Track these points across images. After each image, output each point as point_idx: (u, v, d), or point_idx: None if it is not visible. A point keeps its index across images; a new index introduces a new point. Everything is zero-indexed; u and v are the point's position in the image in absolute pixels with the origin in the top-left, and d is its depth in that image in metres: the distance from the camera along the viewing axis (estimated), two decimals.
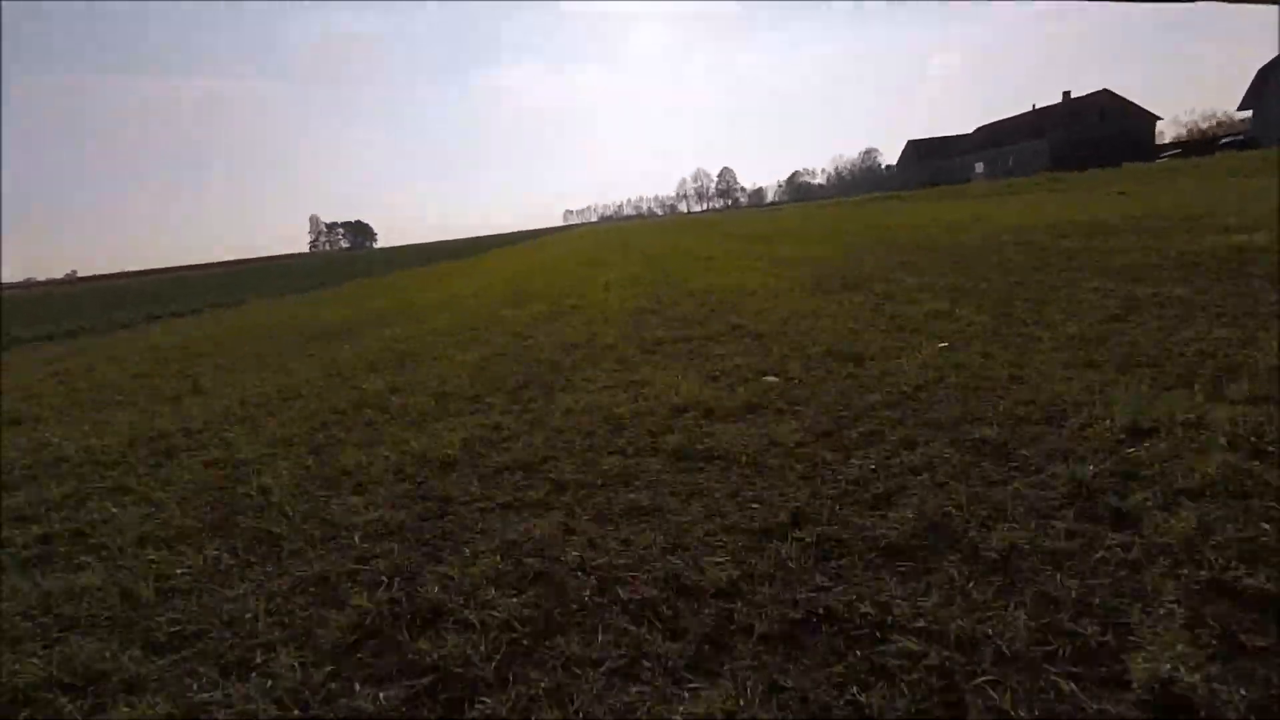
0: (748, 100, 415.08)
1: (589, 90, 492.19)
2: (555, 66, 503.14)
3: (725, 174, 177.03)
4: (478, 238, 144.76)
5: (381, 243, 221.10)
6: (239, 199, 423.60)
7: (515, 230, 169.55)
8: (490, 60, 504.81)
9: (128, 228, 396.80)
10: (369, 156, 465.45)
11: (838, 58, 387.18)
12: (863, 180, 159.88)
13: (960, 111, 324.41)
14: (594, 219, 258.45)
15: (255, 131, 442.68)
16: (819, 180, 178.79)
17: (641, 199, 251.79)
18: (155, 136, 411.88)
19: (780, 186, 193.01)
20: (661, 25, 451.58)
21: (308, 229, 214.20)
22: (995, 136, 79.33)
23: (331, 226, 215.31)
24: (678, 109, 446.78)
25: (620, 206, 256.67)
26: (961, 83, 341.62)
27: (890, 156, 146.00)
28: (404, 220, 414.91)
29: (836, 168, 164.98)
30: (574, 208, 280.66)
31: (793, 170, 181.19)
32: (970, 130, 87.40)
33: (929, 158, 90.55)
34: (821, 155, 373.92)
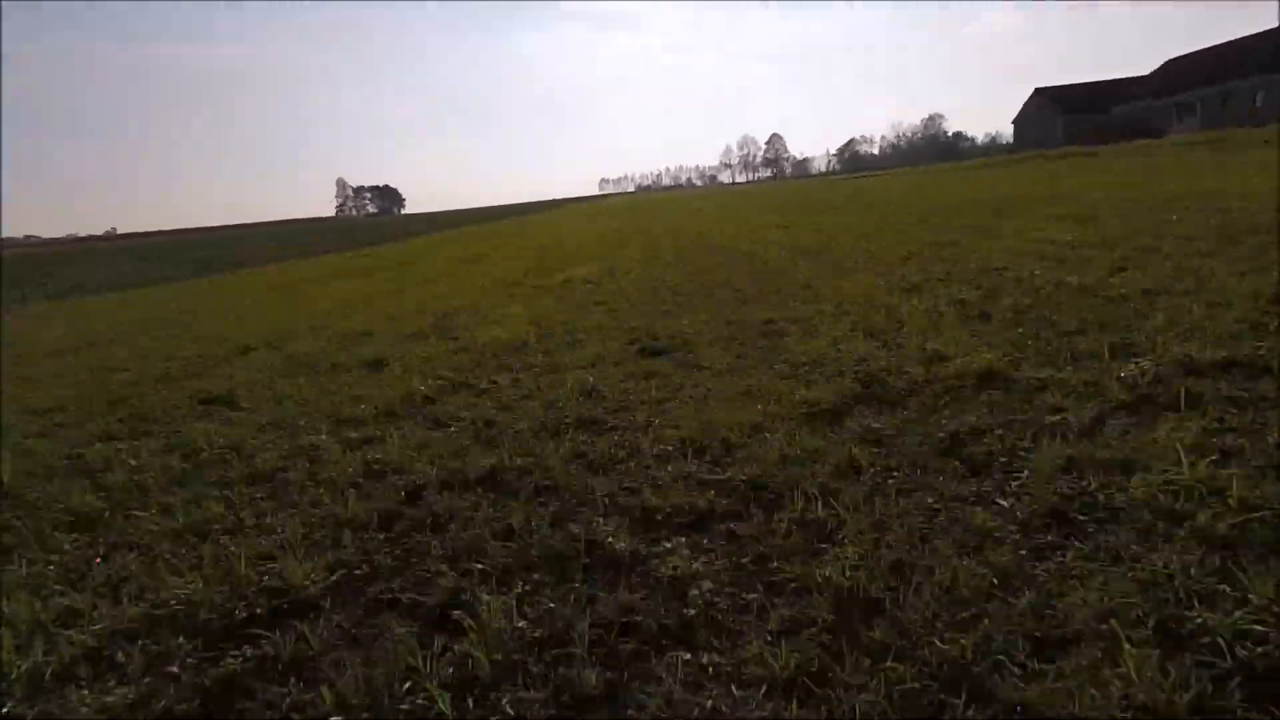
0: (791, 66, 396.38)
1: (629, 56, 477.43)
2: (594, 31, 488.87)
3: (774, 141, 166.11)
4: (503, 206, 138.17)
5: (410, 208, 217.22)
6: (266, 162, 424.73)
7: (542, 200, 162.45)
8: (527, 24, 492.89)
9: (155, 189, 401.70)
10: (398, 119, 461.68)
11: (882, 23, 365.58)
12: (924, 149, 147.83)
13: (1014, 74, 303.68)
14: (631, 188, 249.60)
15: (284, 95, 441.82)
16: (873, 149, 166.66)
17: (681, 169, 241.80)
18: (182, 103, 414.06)
19: (830, 156, 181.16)
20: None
21: (334, 192, 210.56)
22: (1203, 72, 56.39)
23: (359, 191, 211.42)
24: (722, 73, 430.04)
25: (659, 176, 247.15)
26: (1012, 42, 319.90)
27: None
28: (434, 185, 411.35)
29: (898, 134, 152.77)
30: (610, 176, 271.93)
31: (849, 138, 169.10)
32: (1145, 72, 67.22)
33: (1079, 110, 68.13)
34: (861, 125, 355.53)
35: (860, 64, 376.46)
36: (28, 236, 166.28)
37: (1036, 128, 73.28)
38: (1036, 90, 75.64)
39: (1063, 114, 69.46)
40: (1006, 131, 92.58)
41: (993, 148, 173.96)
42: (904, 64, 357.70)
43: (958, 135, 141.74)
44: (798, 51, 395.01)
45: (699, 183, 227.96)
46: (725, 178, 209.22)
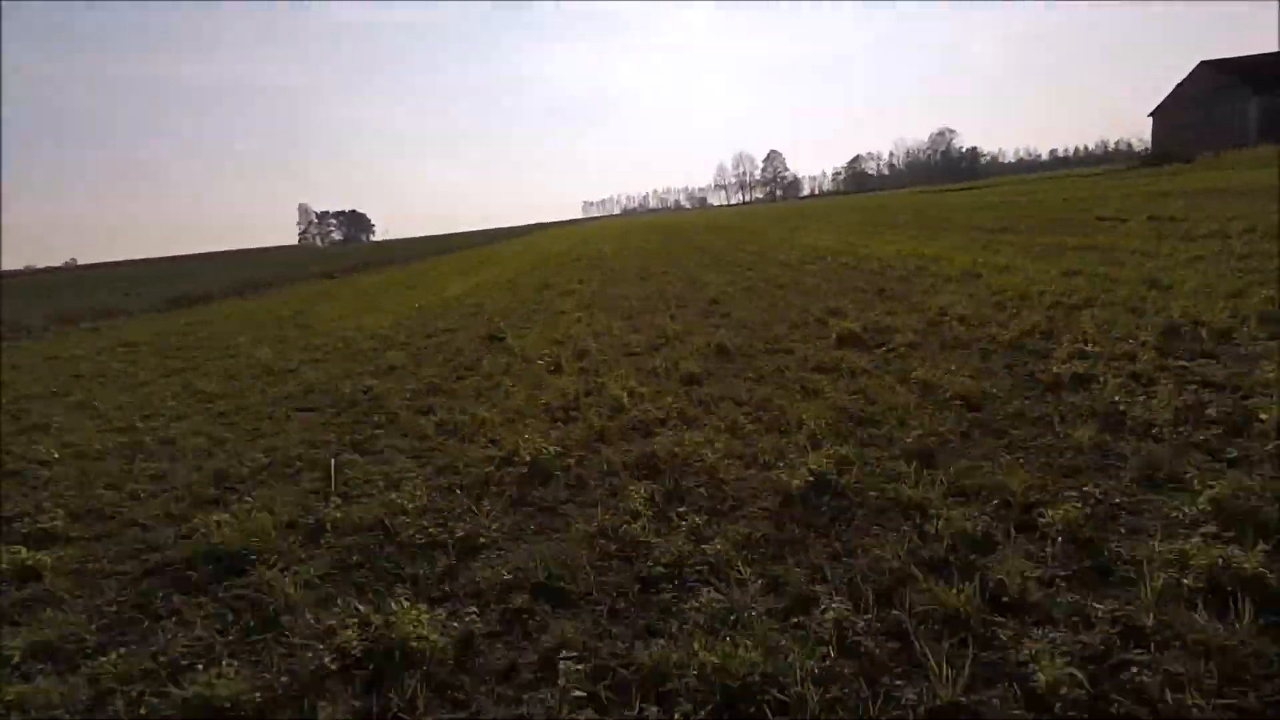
0: (784, 87, 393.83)
1: (615, 76, 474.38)
2: (579, 52, 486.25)
3: (772, 159, 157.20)
4: (473, 232, 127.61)
5: (381, 235, 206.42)
6: (228, 187, 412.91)
7: (515, 225, 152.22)
8: (507, 48, 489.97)
9: (115, 216, 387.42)
10: (371, 144, 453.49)
11: (874, 45, 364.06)
12: (936, 168, 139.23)
13: (1005, 98, 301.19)
14: (616, 210, 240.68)
15: (256, 117, 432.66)
16: (872, 168, 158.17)
17: (668, 190, 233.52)
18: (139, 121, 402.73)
19: (829, 175, 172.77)
20: (702, 12, 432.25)
21: (296, 218, 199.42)
22: None
23: (323, 216, 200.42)
24: (711, 94, 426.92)
25: (645, 198, 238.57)
26: (998, 69, 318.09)
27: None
28: (411, 210, 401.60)
29: (907, 150, 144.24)
30: (594, 199, 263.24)
31: (854, 155, 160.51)
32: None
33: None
34: (856, 144, 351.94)
35: (856, 82, 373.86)
36: None
37: (1200, 116, 53.06)
38: (1204, 64, 55.09)
39: (1254, 94, 50.03)
40: (1033, 146, 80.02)
41: (1028, 164, 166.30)
42: (903, 79, 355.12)
43: (974, 151, 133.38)
44: (791, 69, 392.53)
45: (687, 205, 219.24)
46: (715, 199, 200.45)
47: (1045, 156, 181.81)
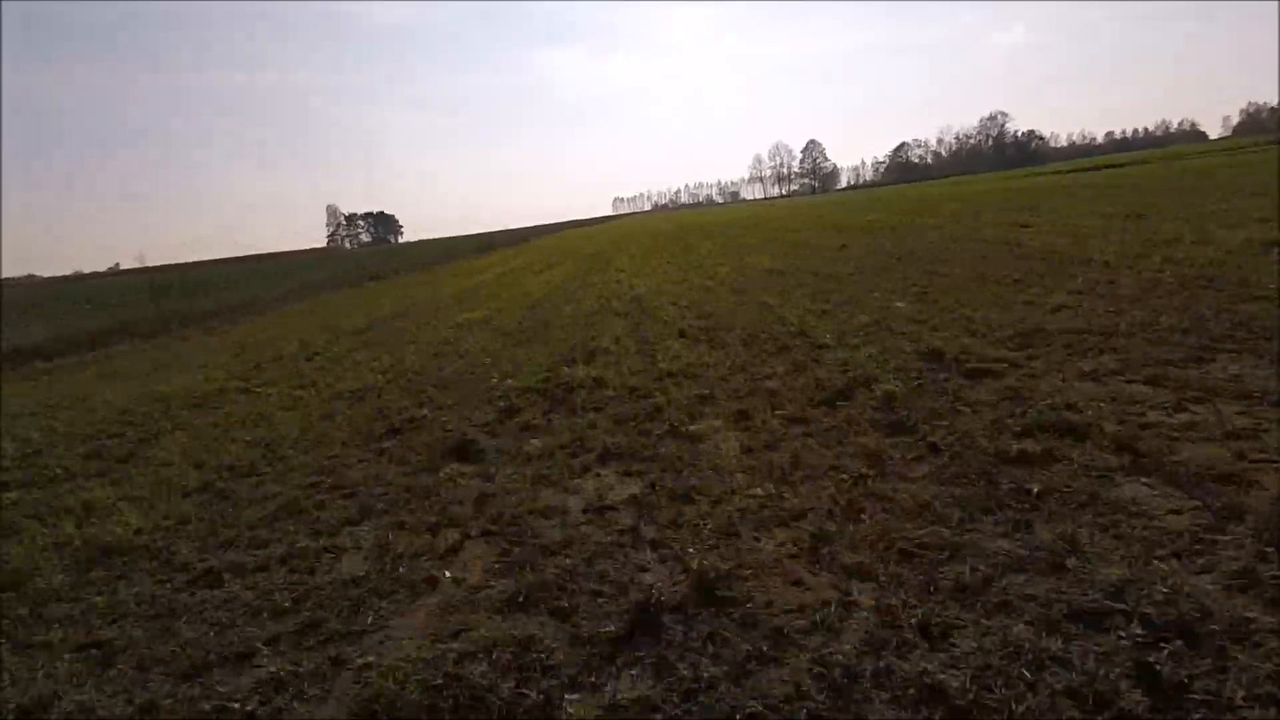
0: (813, 79, 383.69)
1: (642, 74, 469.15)
2: (601, 51, 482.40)
3: (811, 149, 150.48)
4: (494, 232, 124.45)
5: (409, 235, 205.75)
6: (256, 191, 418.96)
7: (547, 223, 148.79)
8: (533, 44, 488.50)
9: (142, 221, 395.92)
10: (397, 146, 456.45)
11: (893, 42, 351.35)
12: (987, 156, 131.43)
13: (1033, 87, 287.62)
14: (647, 207, 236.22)
15: (277, 122, 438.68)
16: (920, 156, 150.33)
17: (700, 185, 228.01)
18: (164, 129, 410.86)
19: (870, 165, 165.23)
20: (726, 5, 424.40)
21: (325, 220, 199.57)
22: None
23: (351, 218, 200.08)
24: (741, 87, 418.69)
25: (677, 193, 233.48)
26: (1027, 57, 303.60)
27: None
28: (437, 211, 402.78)
29: (957, 136, 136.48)
30: (625, 195, 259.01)
31: (899, 142, 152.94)
32: None
33: None
34: (904, 132, 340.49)
35: (898, 72, 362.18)
36: None
37: None
38: None
39: None
40: (1090, 131, 72.84)
41: (1082, 149, 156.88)
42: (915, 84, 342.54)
43: (1031, 135, 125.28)
44: (828, 60, 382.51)
45: (719, 199, 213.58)
46: (748, 193, 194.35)
47: (1100, 139, 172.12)
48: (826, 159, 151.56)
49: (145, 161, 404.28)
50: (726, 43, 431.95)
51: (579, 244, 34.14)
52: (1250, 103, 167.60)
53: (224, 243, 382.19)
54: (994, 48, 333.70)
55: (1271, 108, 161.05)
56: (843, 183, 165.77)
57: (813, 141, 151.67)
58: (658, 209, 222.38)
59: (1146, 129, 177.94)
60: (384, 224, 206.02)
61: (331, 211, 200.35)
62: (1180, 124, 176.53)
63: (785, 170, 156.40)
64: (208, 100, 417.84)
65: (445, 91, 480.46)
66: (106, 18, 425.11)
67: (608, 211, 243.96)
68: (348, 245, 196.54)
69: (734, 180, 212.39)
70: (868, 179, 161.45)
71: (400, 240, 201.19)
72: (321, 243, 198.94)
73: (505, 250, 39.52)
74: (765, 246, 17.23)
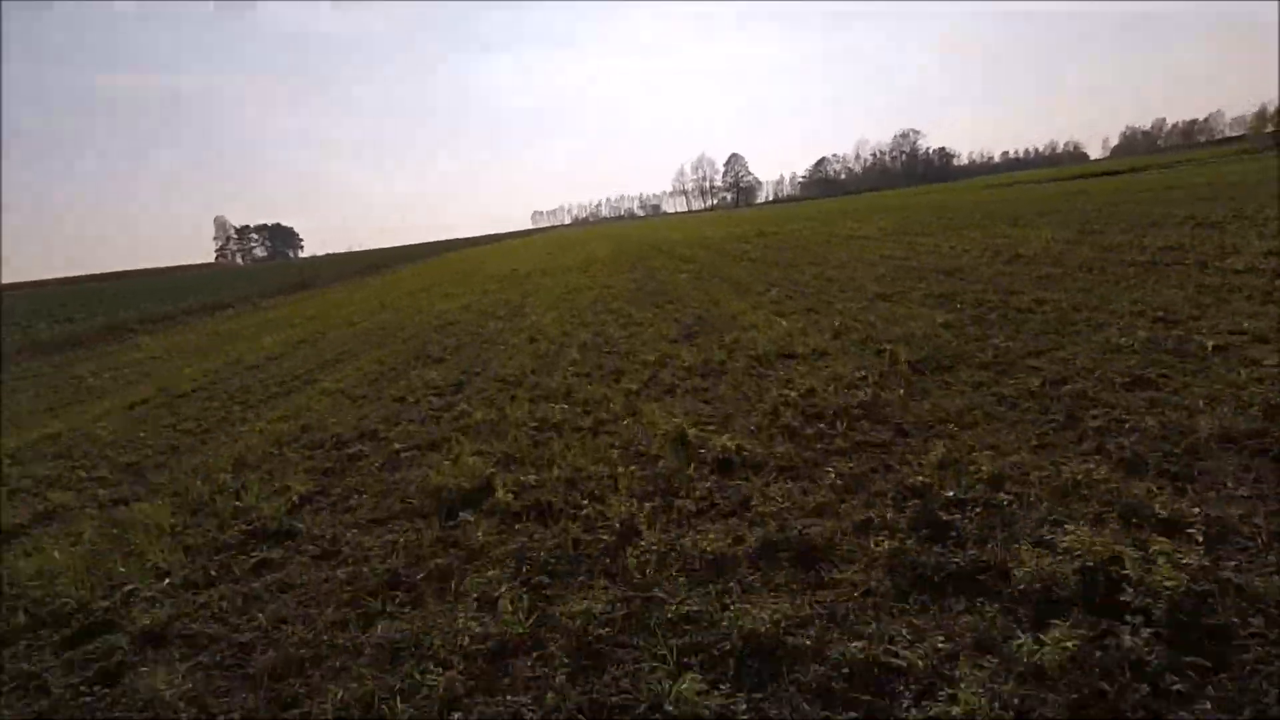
0: (739, 93, 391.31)
1: (567, 84, 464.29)
2: (527, 60, 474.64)
3: (734, 162, 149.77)
4: (407, 246, 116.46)
5: (312, 250, 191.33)
6: (139, 201, 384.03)
7: (460, 237, 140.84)
8: (458, 54, 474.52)
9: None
10: (305, 156, 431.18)
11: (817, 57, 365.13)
12: (901, 171, 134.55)
13: (943, 100, 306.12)
14: (567, 220, 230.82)
15: (176, 127, 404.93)
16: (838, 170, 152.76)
17: (623, 197, 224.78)
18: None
19: (787, 180, 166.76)
20: (649, 17, 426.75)
21: (212, 233, 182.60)
22: None
23: (243, 231, 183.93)
24: (671, 100, 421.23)
25: (598, 206, 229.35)
26: (941, 75, 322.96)
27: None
28: (346, 223, 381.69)
29: (874, 153, 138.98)
30: (544, 208, 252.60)
31: (820, 157, 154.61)
32: None
33: None
34: (823, 147, 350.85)
35: (819, 84, 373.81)
36: None
37: None
38: None
39: None
40: (988, 150, 74.00)
41: (982, 166, 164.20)
42: (838, 97, 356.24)
43: (942, 152, 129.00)
44: (752, 74, 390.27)
45: (640, 212, 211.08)
46: (670, 206, 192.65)
47: (997, 159, 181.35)
48: (749, 172, 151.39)
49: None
50: (652, 56, 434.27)
51: (486, 265, 28.75)
52: (1128, 126, 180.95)
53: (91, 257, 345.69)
54: (904, 68, 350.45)
55: (1145, 131, 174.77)
56: (763, 197, 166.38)
57: (735, 155, 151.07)
58: (577, 222, 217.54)
59: (1037, 149, 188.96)
60: (281, 237, 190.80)
61: (220, 224, 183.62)
62: (1066, 145, 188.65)
63: (708, 183, 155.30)
64: (81, 100, 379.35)
65: (362, 101, 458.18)
66: None
67: (526, 225, 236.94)
68: (239, 260, 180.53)
69: (656, 193, 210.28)
70: (788, 193, 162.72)
71: (300, 255, 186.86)
72: (210, 257, 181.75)
73: (400, 271, 33.54)
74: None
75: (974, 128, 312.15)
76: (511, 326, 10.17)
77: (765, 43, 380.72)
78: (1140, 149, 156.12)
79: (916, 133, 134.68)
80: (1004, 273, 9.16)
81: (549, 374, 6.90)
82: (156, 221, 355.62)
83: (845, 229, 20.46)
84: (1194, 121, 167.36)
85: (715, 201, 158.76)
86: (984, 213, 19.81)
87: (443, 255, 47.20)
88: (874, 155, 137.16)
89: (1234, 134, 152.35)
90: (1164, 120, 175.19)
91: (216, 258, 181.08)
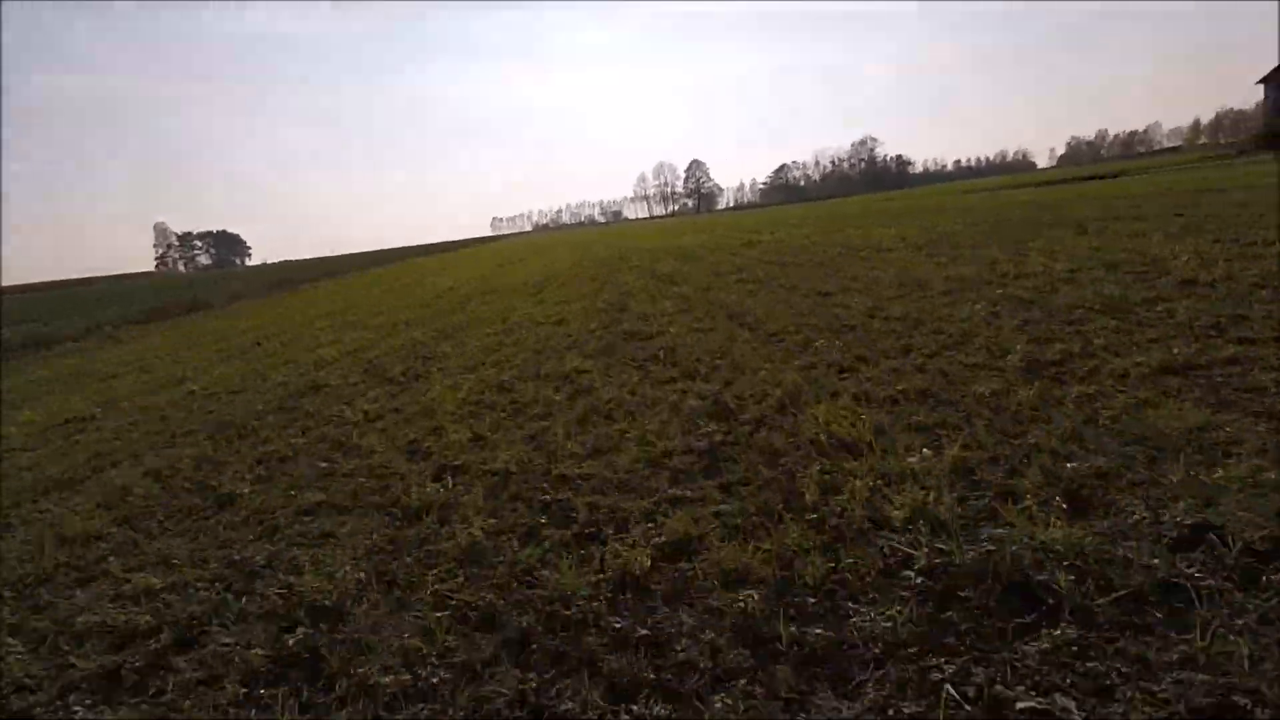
0: (699, 100, 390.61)
1: (528, 92, 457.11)
2: (487, 67, 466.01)
3: (695, 169, 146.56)
4: (353, 255, 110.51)
5: (262, 257, 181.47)
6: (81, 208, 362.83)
7: (416, 245, 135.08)
8: (417, 59, 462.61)
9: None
10: (258, 161, 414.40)
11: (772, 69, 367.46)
12: (860, 178, 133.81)
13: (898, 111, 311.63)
14: (528, 227, 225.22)
15: (121, 132, 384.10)
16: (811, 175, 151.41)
17: (583, 204, 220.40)
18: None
19: (748, 187, 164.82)
20: (608, 26, 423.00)
21: (152, 240, 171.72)
22: None
23: (185, 238, 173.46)
24: (632, 107, 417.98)
25: (559, 213, 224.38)
26: (889, 83, 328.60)
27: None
28: (300, 230, 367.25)
29: (833, 160, 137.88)
30: (504, 215, 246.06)
31: (780, 164, 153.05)
32: None
33: None
34: (784, 154, 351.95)
35: (781, 94, 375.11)
36: None
37: None
38: None
39: None
40: (941, 157, 70.87)
41: (937, 175, 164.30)
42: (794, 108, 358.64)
43: (899, 160, 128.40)
44: (710, 83, 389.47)
45: (601, 219, 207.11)
46: (631, 212, 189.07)
47: (950, 167, 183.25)
48: (709, 179, 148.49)
49: None
50: (617, 63, 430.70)
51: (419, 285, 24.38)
52: (1073, 136, 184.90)
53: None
54: (865, 80, 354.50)
55: (1089, 141, 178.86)
56: (723, 203, 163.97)
57: (696, 161, 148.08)
58: (538, 229, 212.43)
59: (988, 157, 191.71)
60: (227, 244, 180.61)
61: (160, 230, 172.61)
62: (1015, 154, 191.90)
63: (669, 190, 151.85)
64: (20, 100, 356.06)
65: (318, 106, 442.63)
66: None
67: (486, 232, 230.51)
68: (182, 268, 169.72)
69: (617, 200, 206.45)
70: (749, 200, 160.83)
71: (248, 263, 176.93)
72: (149, 265, 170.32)
73: (322, 285, 28.85)
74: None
75: (928, 136, 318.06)
76: (393, 416, 6.01)
77: (725, 52, 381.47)
78: (1085, 158, 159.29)
79: (874, 140, 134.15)
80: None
81: (397, 614, 2.86)
82: (102, 228, 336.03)
83: (852, 236, 16.78)
84: (1134, 133, 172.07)
85: (676, 207, 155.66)
86: (1051, 216, 16.36)
87: (388, 266, 42.36)
88: (833, 162, 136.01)
89: (1171, 144, 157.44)
90: (1106, 131, 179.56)
91: (156, 266, 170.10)
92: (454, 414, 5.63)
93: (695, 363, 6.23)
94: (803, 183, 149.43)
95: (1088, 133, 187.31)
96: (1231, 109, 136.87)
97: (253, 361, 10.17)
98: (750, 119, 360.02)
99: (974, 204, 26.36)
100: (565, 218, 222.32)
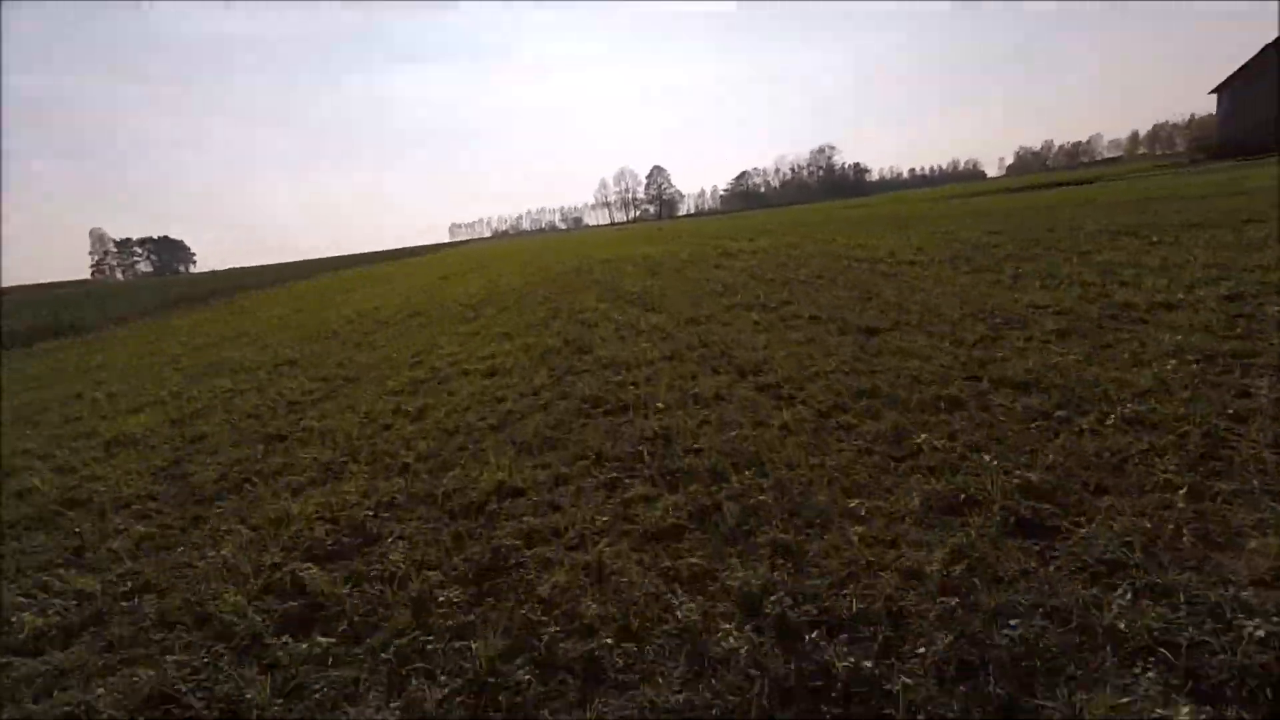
0: (661, 108, 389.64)
1: (487, 98, 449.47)
2: (444, 72, 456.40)
3: (656, 175, 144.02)
4: (296, 263, 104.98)
5: (208, 264, 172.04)
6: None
7: (373, 250, 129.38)
8: (379, 64, 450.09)
9: None
10: (198, 166, 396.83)
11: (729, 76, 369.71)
12: (819, 185, 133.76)
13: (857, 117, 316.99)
14: (487, 233, 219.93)
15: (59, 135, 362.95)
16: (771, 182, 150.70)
17: (544, 210, 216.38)
18: None
19: (709, 194, 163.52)
20: (570, 35, 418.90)
21: (89, 248, 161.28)
22: None
23: (124, 244, 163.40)
24: (593, 114, 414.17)
25: (519, 219, 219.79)
26: (844, 93, 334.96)
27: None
28: (252, 236, 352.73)
29: (793, 167, 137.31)
30: (463, 221, 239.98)
31: (740, 171, 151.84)
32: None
33: None
34: (744, 162, 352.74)
35: (739, 102, 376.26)
36: None
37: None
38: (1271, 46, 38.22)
39: None
40: (897, 165, 70.09)
41: (893, 183, 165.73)
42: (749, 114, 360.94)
43: (856, 167, 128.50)
44: (676, 91, 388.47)
45: (562, 225, 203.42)
46: (592, 219, 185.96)
47: (906, 175, 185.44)
48: (671, 185, 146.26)
49: None
50: (581, 69, 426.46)
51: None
52: (1021, 146, 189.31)
53: None
54: (823, 87, 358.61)
55: (1035, 151, 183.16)
56: (684, 210, 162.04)
57: (657, 168, 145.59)
58: (497, 235, 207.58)
59: (941, 166, 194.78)
60: (170, 251, 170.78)
61: (97, 237, 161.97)
62: (966, 163, 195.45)
63: (631, 196, 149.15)
64: None
65: (273, 109, 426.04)
66: None
67: (444, 238, 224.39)
68: (119, 276, 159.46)
69: (577, 206, 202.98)
70: (709, 206, 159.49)
71: (192, 270, 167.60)
72: (84, 274, 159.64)
73: (236, 300, 25.21)
74: None
75: (883, 144, 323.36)
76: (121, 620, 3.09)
77: (687, 62, 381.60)
78: (1033, 167, 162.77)
79: (832, 148, 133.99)
80: None
81: None
82: (39, 235, 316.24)
83: (847, 245, 14.23)
84: (1078, 143, 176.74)
85: (638, 214, 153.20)
86: (1069, 221, 14.10)
87: (321, 277, 38.52)
88: (793, 170, 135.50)
89: (1111, 155, 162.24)
90: (1051, 142, 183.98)
91: (93, 273, 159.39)
92: (236, 611, 2.72)
93: (710, 476, 3.45)
94: (763, 189, 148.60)
95: (1034, 143, 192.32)
96: (1168, 122, 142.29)
97: None
98: (713, 125, 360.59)
99: (956, 211, 24.34)
100: (525, 224, 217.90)
